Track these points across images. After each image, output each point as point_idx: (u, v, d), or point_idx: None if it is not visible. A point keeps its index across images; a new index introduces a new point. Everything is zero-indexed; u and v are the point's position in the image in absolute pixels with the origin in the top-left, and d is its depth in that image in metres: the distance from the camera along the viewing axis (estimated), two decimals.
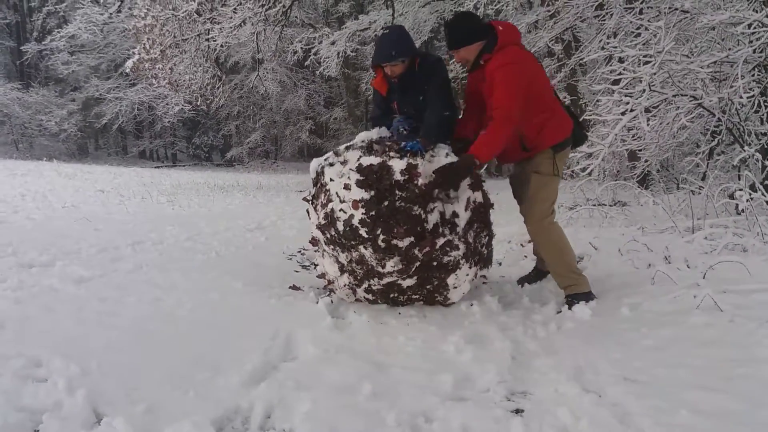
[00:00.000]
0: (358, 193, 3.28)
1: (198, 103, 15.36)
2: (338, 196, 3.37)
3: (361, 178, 3.29)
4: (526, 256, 5.27)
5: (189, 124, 33.73)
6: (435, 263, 3.48)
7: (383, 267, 3.41)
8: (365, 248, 3.36)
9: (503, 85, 3.46)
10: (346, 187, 3.33)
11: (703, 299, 3.26)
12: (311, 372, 2.62)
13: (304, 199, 3.80)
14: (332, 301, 3.69)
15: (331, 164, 3.51)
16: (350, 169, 3.35)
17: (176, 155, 36.11)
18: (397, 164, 3.30)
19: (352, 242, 3.37)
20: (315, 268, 4.86)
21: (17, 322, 2.99)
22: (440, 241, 3.39)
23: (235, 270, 4.46)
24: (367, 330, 3.26)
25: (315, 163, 3.70)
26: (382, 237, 3.29)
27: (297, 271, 4.74)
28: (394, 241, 3.30)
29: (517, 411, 2.34)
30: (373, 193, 3.27)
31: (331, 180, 3.45)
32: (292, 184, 16.84)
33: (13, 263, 4.24)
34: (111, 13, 18.51)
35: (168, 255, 4.99)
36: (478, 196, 3.56)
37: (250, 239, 6.23)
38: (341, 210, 3.35)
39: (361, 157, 3.40)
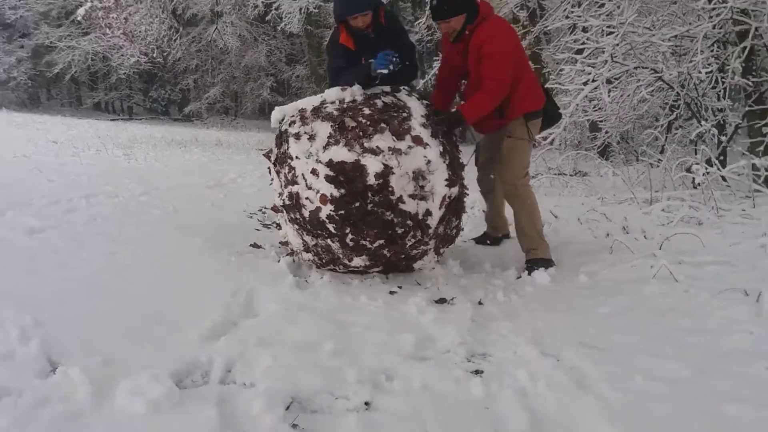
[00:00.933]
0: (327, 188, 3.14)
1: (154, 56, 14.91)
2: (305, 179, 3.22)
3: (332, 174, 3.14)
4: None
5: (145, 77, 32.72)
6: (403, 256, 3.46)
7: (350, 260, 3.38)
8: (332, 242, 3.30)
9: (496, 55, 3.63)
10: (314, 172, 3.18)
11: (659, 269, 3.34)
12: (272, 329, 2.59)
13: (265, 155, 3.69)
14: (294, 261, 3.65)
15: (297, 136, 3.31)
16: (318, 161, 3.17)
17: (132, 108, 35.11)
18: (372, 165, 3.12)
19: (318, 232, 3.30)
20: (277, 227, 4.81)
21: None
22: (410, 242, 3.35)
23: (193, 226, 4.38)
24: (329, 290, 3.25)
25: (278, 114, 3.54)
26: (350, 236, 3.22)
27: (258, 230, 4.68)
28: (363, 242, 3.24)
29: (477, 372, 2.36)
30: (343, 191, 3.14)
31: (297, 158, 3.27)
32: (252, 142, 16.57)
33: None
34: None
35: (123, 209, 4.85)
36: (454, 192, 3.45)
37: (209, 196, 6.12)
38: (307, 198, 3.23)
39: (330, 141, 3.19)
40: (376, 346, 2.51)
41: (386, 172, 3.13)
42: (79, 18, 13.14)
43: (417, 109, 3.43)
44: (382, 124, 3.23)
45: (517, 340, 2.68)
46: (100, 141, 11.65)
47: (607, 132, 8.51)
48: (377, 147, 3.16)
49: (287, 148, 3.35)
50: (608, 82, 6.48)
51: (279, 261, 3.58)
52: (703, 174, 4.90)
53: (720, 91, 6.82)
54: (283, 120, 3.54)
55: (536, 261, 3.86)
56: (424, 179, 3.25)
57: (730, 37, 6.91)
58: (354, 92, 3.45)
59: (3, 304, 2.48)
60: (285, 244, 3.71)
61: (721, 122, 6.78)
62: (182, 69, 29.91)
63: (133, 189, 5.87)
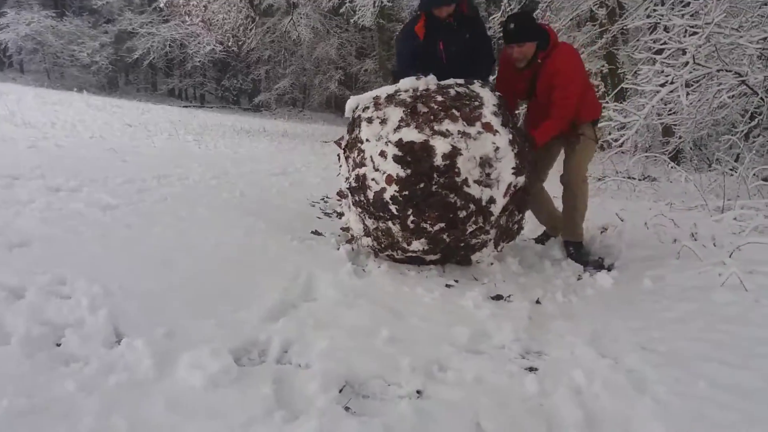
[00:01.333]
0: (394, 168, 3.17)
1: (229, 44, 15.28)
2: (372, 161, 3.26)
3: (400, 154, 3.17)
4: None
5: (219, 66, 33.63)
6: (462, 244, 3.45)
7: (408, 244, 3.39)
8: (393, 224, 3.32)
9: (568, 86, 3.85)
10: (382, 154, 3.22)
11: (728, 277, 3.20)
12: (330, 313, 2.64)
13: (336, 142, 3.74)
14: (353, 249, 3.69)
15: (369, 120, 3.36)
16: (388, 142, 3.21)
17: (204, 96, 36.12)
18: (440, 146, 3.14)
19: (381, 214, 3.33)
20: (338, 217, 4.87)
21: (44, 241, 3.03)
22: (471, 228, 3.34)
23: (259, 211, 4.48)
24: (386, 279, 3.27)
25: (353, 102, 3.60)
26: (411, 218, 3.24)
27: (319, 218, 4.75)
28: (424, 225, 3.25)
29: (531, 369, 2.34)
30: (409, 172, 3.16)
31: (367, 140, 3.33)
32: (317, 134, 16.80)
33: (41, 185, 4.29)
34: None
35: (193, 190, 5.01)
36: (520, 181, 3.42)
37: (275, 183, 6.24)
38: (374, 179, 3.27)
39: (402, 124, 3.24)
40: (431, 337, 2.52)
41: (454, 153, 3.15)
42: (161, 5, 13.58)
43: (489, 99, 3.42)
44: (454, 111, 3.25)
45: (575, 341, 2.63)
46: (172, 126, 12.04)
47: (680, 137, 8.22)
48: (447, 130, 3.19)
49: (359, 133, 3.42)
50: (687, 84, 6.25)
51: (338, 249, 3.63)
52: None
53: None
54: (356, 108, 3.59)
55: (578, 244, 4.24)
56: (490, 166, 3.24)
57: None
58: (428, 82, 3.47)
59: (76, 274, 2.60)
60: (346, 230, 3.76)
61: None
62: (255, 59, 30.58)
63: (202, 173, 6.05)
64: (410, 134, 3.18)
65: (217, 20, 13.65)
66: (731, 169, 6.61)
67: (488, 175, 3.26)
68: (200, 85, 35.84)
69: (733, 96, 6.72)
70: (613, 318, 2.94)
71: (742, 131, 7.17)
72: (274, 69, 31.44)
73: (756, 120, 7.10)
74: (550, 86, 3.87)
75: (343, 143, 3.63)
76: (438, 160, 3.14)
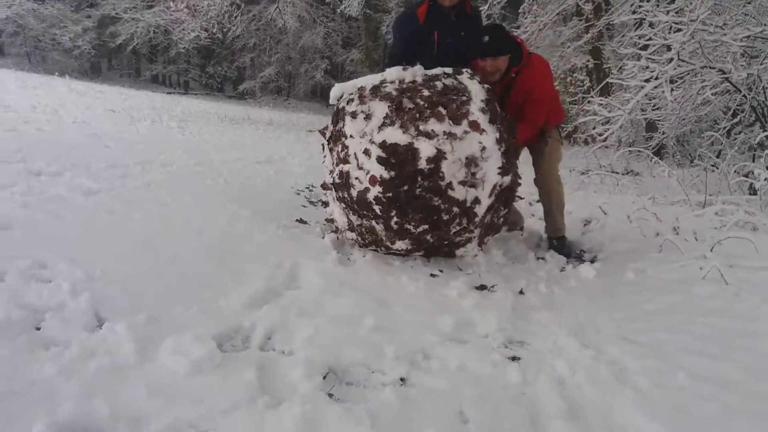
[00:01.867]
0: (378, 169, 3.11)
1: (214, 31, 15.14)
2: (356, 159, 3.20)
3: (384, 155, 3.11)
4: (533, 215, 5.25)
5: (203, 53, 33.34)
6: (446, 242, 3.43)
7: (392, 243, 3.37)
8: (377, 223, 3.30)
9: (541, 102, 3.98)
10: (366, 152, 3.16)
11: (709, 271, 3.24)
12: (314, 301, 2.63)
13: (321, 131, 3.71)
14: (338, 238, 3.68)
15: (354, 115, 3.28)
16: (372, 141, 3.15)
17: (188, 83, 35.80)
18: (425, 149, 3.07)
19: (364, 213, 3.30)
20: (323, 206, 4.85)
21: (24, 225, 2.98)
22: (455, 229, 3.32)
23: (243, 198, 4.45)
24: (370, 268, 3.27)
25: (337, 90, 3.55)
26: (395, 219, 3.21)
27: (304, 206, 4.73)
28: (407, 226, 3.23)
29: (515, 358, 2.35)
30: (393, 174, 3.11)
31: (351, 137, 3.26)
32: (303, 123, 16.71)
33: (21, 169, 4.22)
34: None
35: (177, 177, 4.96)
36: (506, 181, 3.38)
37: (259, 171, 6.20)
38: (357, 178, 3.22)
39: (386, 122, 3.15)
40: (415, 326, 2.53)
41: (438, 157, 3.08)
42: None
43: (477, 93, 3.35)
44: (440, 108, 3.17)
45: (558, 331, 2.65)
46: (155, 112, 11.92)
47: (664, 133, 8.28)
48: (432, 130, 3.11)
49: (342, 126, 3.34)
50: (671, 81, 6.28)
51: (323, 237, 3.62)
52: (765, 179, 4.73)
53: None
54: (341, 97, 3.53)
55: (561, 238, 4.31)
56: (476, 166, 3.19)
57: None
58: (415, 72, 3.37)
59: (57, 258, 2.57)
60: (330, 221, 3.74)
61: None
62: (240, 47, 30.34)
63: (186, 159, 5.99)
64: (395, 135, 3.12)
65: (202, 7, 13.53)
66: (713, 165, 6.68)
67: (473, 174, 3.21)
68: (184, 72, 35.52)
69: (716, 93, 6.77)
70: (596, 309, 2.97)
71: (725, 128, 7.24)
72: (259, 57, 31.22)
73: (738, 117, 7.16)
74: (524, 100, 3.94)
75: (327, 134, 3.58)
76: (422, 164, 3.07)
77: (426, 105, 3.18)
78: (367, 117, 3.24)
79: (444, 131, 3.13)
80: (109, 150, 5.85)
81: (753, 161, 6.28)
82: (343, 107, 3.41)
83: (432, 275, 3.32)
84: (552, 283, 3.45)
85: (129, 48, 29.14)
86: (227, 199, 4.32)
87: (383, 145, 3.12)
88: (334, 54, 30.20)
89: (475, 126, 3.19)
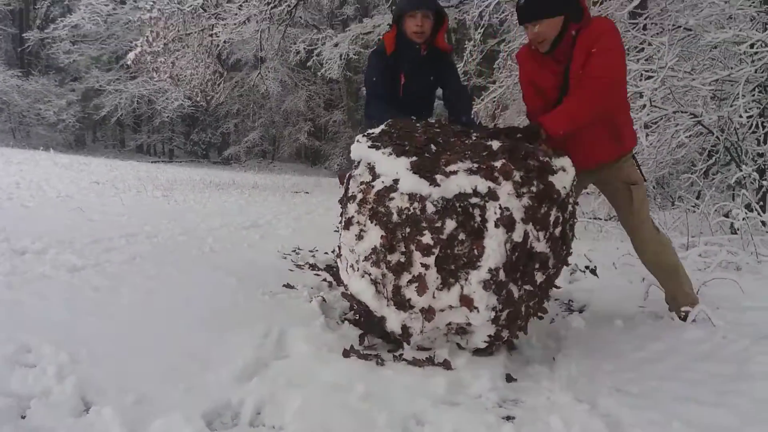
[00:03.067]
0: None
1: (198, 99, 15.34)
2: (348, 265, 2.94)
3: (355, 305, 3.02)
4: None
5: (188, 120, 33.71)
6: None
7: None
8: None
9: (610, 51, 2.89)
10: (353, 268, 2.91)
11: (696, 314, 3.26)
12: (303, 370, 2.60)
13: (340, 179, 3.17)
14: (325, 301, 3.67)
15: (349, 222, 2.84)
16: (356, 269, 2.86)
17: (173, 151, 36.06)
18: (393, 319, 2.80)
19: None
20: (310, 268, 4.85)
21: (8, 307, 2.96)
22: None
23: (229, 266, 4.44)
24: (358, 331, 3.24)
25: (356, 153, 2.97)
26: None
27: (291, 270, 4.72)
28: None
29: (509, 418, 2.33)
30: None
31: (344, 243, 2.93)
32: (288, 185, 16.81)
33: (5, 249, 4.21)
34: (116, 5, 18.49)
35: (162, 248, 4.96)
36: (517, 236, 2.63)
37: (245, 237, 6.21)
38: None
39: (371, 258, 2.74)
40: (407, 390, 2.49)
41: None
42: (128, 62, 13.65)
43: (495, 240, 2.59)
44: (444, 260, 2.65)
45: (551, 386, 2.63)
46: (140, 182, 11.96)
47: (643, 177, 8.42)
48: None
49: (349, 216, 2.87)
50: (645, 126, 6.44)
51: (311, 301, 3.61)
52: (743, 219, 4.81)
53: (760, 135, 6.73)
54: (358, 162, 2.97)
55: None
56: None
57: None
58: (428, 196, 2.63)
59: (42, 341, 2.54)
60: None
61: (762, 167, 6.66)
62: (224, 113, 30.81)
63: (171, 229, 6.00)
64: (368, 293, 2.81)
65: (185, 76, 13.73)
66: (693, 206, 6.78)
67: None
68: (169, 140, 35.80)
69: (690, 136, 6.94)
70: (588, 360, 2.95)
71: (701, 169, 7.38)
72: (243, 122, 31.68)
73: (713, 158, 7.32)
74: (586, 60, 2.90)
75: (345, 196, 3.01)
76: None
77: (426, 249, 2.63)
78: (359, 237, 2.78)
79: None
80: (94, 224, 5.85)
81: (732, 200, 6.39)
82: (353, 193, 2.87)
83: None
84: (542, 335, 3.44)
85: (113, 119, 29.47)
86: (213, 268, 4.31)
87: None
88: (316, 116, 30.68)
89: (466, 302, 2.70)
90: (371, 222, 2.71)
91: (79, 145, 32.62)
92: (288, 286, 4.03)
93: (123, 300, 3.32)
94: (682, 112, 6.47)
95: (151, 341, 2.74)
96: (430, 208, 2.60)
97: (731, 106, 6.16)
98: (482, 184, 2.62)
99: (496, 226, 2.58)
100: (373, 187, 2.74)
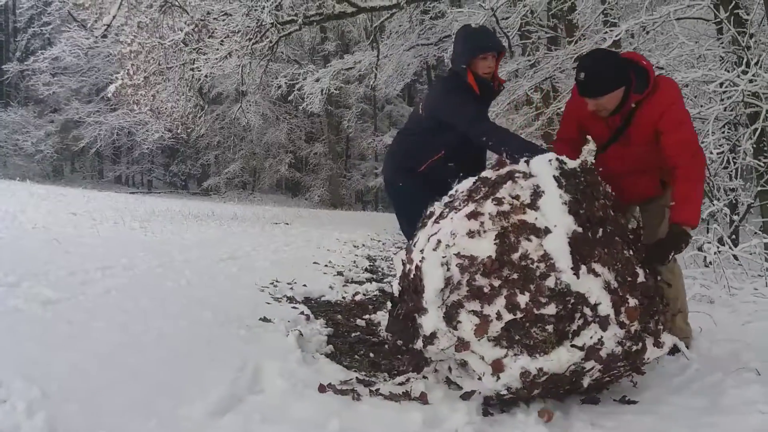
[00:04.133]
0: None
1: (178, 132, 15.33)
2: None
3: None
4: None
5: (168, 152, 33.64)
6: None
7: None
8: None
9: (684, 123, 3.11)
10: None
11: (671, 348, 3.29)
12: (278, 406, 2.58)
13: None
14: (302, 335, 3.65)
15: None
16: None
17: (152, 182, 35.90)
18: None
19: None
20: (288, 301, 4.84)
21: None
22: None
23: (205, 299, 4.41)
24: (335, 365, 3.24)
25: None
26: None
27: (268, 303, 4.70)
28: None
29: None
30: None
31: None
32: (268, 216, 16.79)
33: None
34: (97, 38, 18.53)
35: (138, 281, 4.91)
36: None
37: (223, 269, 6.17)
38: None
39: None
40: (383, 425, 2.49)
41: None
42: (109, 95, 13.64)
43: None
44: None
45: (527, 420, 2.64)
46: (118, 213, 11.87)
47: None
48: None
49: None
50: None
51: (287, 335, 3.59)
52: (715, 252, 4.90)
53: (732, 171, 6.89)
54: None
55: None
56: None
57: (742, 118, 7.02)
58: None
59: (12, 376, 2.49)
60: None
61: (733, 201, 6.80)
62: (204, 145, 30.83)
63: (148, 261, 5.94)
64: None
65: (166, 108, 13.74)
66: None
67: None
68: (148, 171, 35.67)
69: None
70: (564, 395, 2.96)
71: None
72: (224, 154, 31.71)
73: None
74: (654, 134, 3.09)
75: None
76: None
77: None
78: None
79: None
80: (70, 255, 5.78)
81: (707, 233, 6.50)
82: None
83: (400, 369, 3.30)
84: None
85: (92, 150, 29.35)
86: (189, 301, 4.28)
87: None
88: (297, 148, 30.87)
89: None
90: None
91: (57, 176, 32.35)
92: (264, 319, 4.00)
93: (97, 334, 3.28)
94: None
95: (124, 376, 2.70)
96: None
97: (702, 142, 6.30)
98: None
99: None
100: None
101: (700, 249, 5.56)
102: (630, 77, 3.06)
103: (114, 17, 11.82)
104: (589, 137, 3.59)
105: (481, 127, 3.48)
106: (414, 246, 2.95)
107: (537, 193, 2.69)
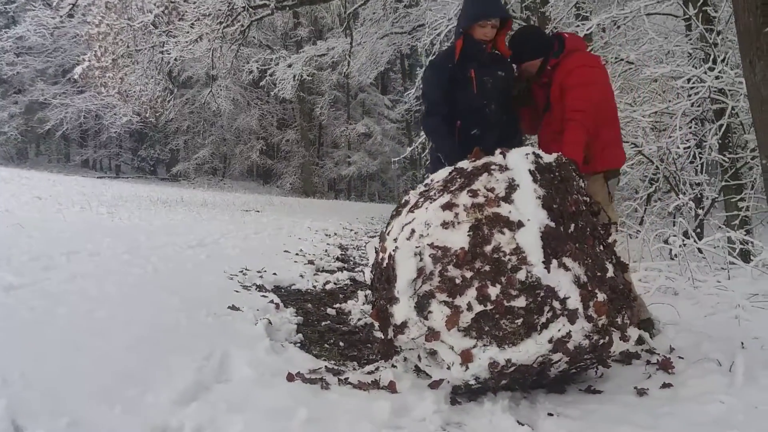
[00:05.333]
0: None
1: (147, 116, 15.09)
2: None
3: None
4: None
5: (136, 136, 33.08)
6: None
7: None
8: None
9: (581, 85, 3.39)
10: None
11: (635, 339, 3.35)
12: (245, 394, 2.56)
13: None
14: (271, 323, 3.64)
15: None
16: None
17: (120, 167, 35.28)
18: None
19: None
20: (257, 290, 4.80)
21: None
22: None
23: (172, 286, 4.35)
24: (305, 354, 3.23)
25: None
26: None
27: (237, 291, 4.66)
28: None
29: None
30: None
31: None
32: (238, 203, 16.63)
33: None
34: (62, 18, 18.08)
35: (104, 267, 4.82)
36: None
37: (191, 256, 6.10)
38: None
39: None
40: (351, 414, 2.49)
41: None
42: (75, 76, 13.34)
43: None
44: None
45: (493, 408, 2.66)
46: (84, 198, 11.65)
47: None
48: None
49: None
50: None
51: (256, 324, 3.56)
52: (680, 246, 4.99)
53: (698, 166, 7.03)
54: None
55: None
56: None
57: (708, 114, 7.17)
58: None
59: None
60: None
61: (699, 196, 6.95)
62: (173, 129, 30.37)
63: (114, 247, 5.84)
64: None
65: (135, 92, 13.50)
66: (636, 232, 7.00)
67: None
68: (116, 156, 35.02)
69: (632, 164, 7.19)
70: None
71: (642, 197, 7.64)
72: (193, 139, 31.30)
73: (654, 186, 7.59)
74: (562, 92, 3.45)
75: None
76: None
77: None
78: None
79: None
80: (33, 240, 5.65)
81: (674, 226, 6.62)
82: None
83: (369, 358, 3.30)
84: None
85: (58, 133, 28.69)
86: (156, 288, 4.22)
87: None
88: (269, 135, 30.59)
89: None
90: None
91: (21, 159, 31.61)
92: (233, 307, 3.97)
93: (61, 321, 3.21)
94: (624, 141, 6.70)
95: (88, 363, 2.66)
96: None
97: (669, 137, 6.42)
98: None
99: None
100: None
101: (666, 242, 5.66)
102: (551, 48, 3.56)
103: None
104: None
105: (426, 122, 3.82)
106: (388, 234, 2.94)
107: (512, 187, 2.71)
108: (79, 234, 6.47)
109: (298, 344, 3.44)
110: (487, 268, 2.57)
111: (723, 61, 6.11)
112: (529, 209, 2.64)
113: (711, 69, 6.06)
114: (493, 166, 2.81)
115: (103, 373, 2.56)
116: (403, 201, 3.05)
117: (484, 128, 3.64)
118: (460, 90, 3.62)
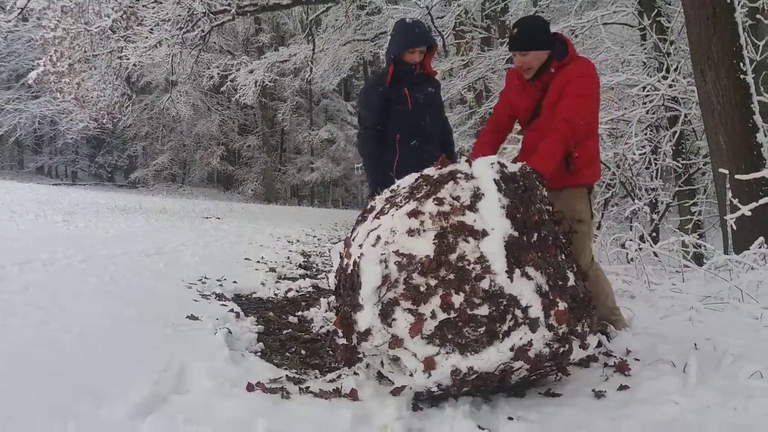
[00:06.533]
0: None
1: (104, 121, 14.78)
2: None
3: None
4: None
5: (93, 142, 32.43)
6: None
7: None
8: None
9: (579, 97, 3.33)
10: None
11: (594, 342, 3.41)
12: (204, 406, 2.52)
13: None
14: (231, 333, 3.59)
15: None
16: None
17: (77, 173, 34.52)
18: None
19: None
20: (217, 298, 4.74)
21: None
22: None
23: (129, 296, 4.27)
24: (265, 363, 3.19)
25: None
26: None
27: (196, 300, 4.59)
28: None
29: None
30: None
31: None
32: (198, 210, 16.41)
33: None
34: (15, 21, 17.63)
35: (58, 277, 4.71)
36: None
37: (148, 265, 5.99)
38: None
39: None
40: (312, 424, 2.46)
41: None
42: (30, 81, 13.01)
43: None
44: None
45: (455, 414, 2.67)
46: (39, 206, 11.36)
47: None
48: None
49: None
50: None
51: (215, 334, 3.51)
52: (636, 250, 5.10)
53: (653, 171, 7.21)
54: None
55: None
56: None
57: (662, 122, 7.36)
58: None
59: None
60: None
61: (654, 201, 7.11)
62: (132, 135, 29.87)
63: (70, 256, 5.70)
64: None
65: (92, 97, 13.22)
66: (594, 236, 7.14)
67: None
68: (72, 162, 34.27)
69: None
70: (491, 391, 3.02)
71: (599, 202, 7.79)
72: (152, 145, 30.85)
73: (611, 191, 7.74)
74: (558, 99, 3.37)
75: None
76: None
77: None
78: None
79: None
80: None
81: (630, 231, 6.77)
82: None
83: (330, 366, 3.28)
84: None
85: (11, 139, 27.93)
86: (112, 298, 4.13)
87: None
88: (230, 140, 30.31)
89: None
90: None
91: None
92: (192, 317, 3.91)
93: (12, 333, 3.12)
94: None
95: (41, 376, 2.58)
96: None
97: (626, 143, 6.56)
98: None
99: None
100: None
101: (622, 246, 5.78)
102: (555, 45, 3.44)
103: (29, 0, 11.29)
104: (517, 126, 3.93)
105: (362, 145, 4.24)
106: (353, 240, 2.93)
107: (477, 195, 2.73)
108: (32, 243, 6.31)
109: (259, 353, 3.40)
110: (451, 276, 2.58)
111: (676, 70, 6.28)
112: (493, 218, 2.66)
113: (665, 78, 6.23)
114: (459, 174, 2.82)
115: (55, 388, 2.49)
116: (369, 206, 3.05)
117: (421, 139, 4.06)
118: (397, 107, 4.02)
